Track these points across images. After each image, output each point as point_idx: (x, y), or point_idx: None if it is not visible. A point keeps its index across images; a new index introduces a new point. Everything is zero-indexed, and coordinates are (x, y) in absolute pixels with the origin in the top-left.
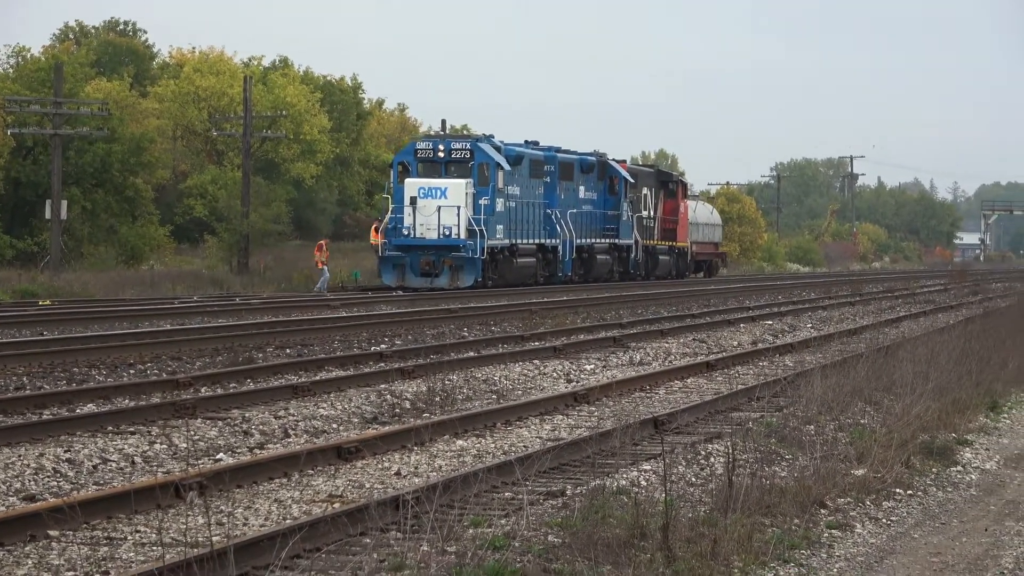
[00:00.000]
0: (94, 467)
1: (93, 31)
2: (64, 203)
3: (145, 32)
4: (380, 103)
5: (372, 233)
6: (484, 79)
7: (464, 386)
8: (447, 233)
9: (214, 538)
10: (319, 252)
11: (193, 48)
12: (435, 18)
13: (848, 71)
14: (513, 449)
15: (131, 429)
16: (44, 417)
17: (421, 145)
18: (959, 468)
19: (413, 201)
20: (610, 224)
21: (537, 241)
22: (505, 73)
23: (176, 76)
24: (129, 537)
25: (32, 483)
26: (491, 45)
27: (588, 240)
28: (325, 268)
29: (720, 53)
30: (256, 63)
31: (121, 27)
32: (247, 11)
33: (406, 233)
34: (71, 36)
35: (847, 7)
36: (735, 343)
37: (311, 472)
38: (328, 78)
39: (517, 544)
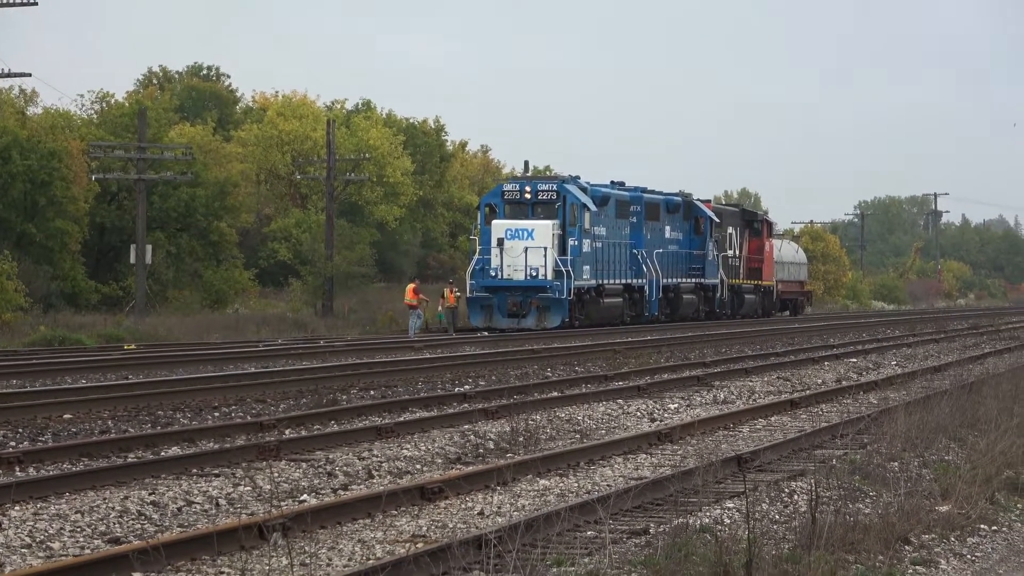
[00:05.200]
0: (179, 509)
1: (176, 76)
2: (149, 248)
3: (228, 77)
4: (463, 145)
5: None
6: (566, 120)
7: (547, 426)
8: (534, 274)
9: None
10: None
11: (276, 92)
12: (516, 60)
13: (931, 109)
14: (596, 488)
15: (215, 471)
16: (129, 460)
17: (508, 187)
18: None
19: (500, 242)
20: (696, 264)
21: (623, 281)
22: (587, 114)
23: (259, 120)
24: None
25: (117, 526)
26: (572, 85)
27: (674, 280)
28: (419, 310)
29: (802, 91)
30: (339, 106)
31: (204, 72)
32: (329, 55)
33: (493, 274)
34: (155, 81)
35: (920, 48)
36: (819, 381)
37: (395, 512)
38: (411, 120)
39: None
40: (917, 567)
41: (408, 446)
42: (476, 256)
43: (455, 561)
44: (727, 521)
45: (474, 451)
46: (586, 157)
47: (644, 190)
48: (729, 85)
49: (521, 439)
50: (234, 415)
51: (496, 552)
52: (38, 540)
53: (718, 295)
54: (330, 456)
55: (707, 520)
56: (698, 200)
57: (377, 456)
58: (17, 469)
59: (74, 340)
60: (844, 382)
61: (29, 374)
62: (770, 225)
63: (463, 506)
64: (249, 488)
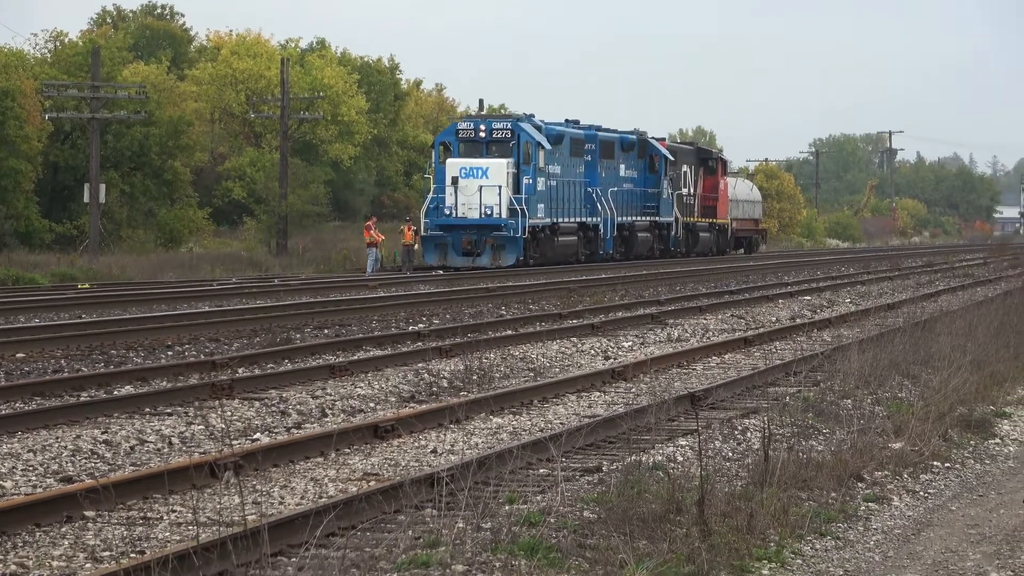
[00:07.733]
0: (131, 448)
1: (130, 15)
2: (102, 187)
3: (182, 15)
4: (417, 83)
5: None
6: (520, 58)
7: (501, 364)
8: (489, 212)
9: (249, 517)
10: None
11: (230, 31)
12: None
13: (885, 45)
14: (549, 426)
15: (168, 410)
16: (82, 399)
17: (462, 125)
18: (997, 440)
19: (455, 181)
20: (650, 202)
21: (578, 220)
22: (541, 52)
23: (213, 59)
24: (165, 517)
25: (69, 465)
26: (526, 24)
27: (629, 218)
28: (376, 248)
29: (756, 28)
30: (293, 45)
31: (158, 11)
32: None
33: (448, 213)
34: (108, 20)
35: None
36: (773, 319)
37: (347, 451)
38: (365, 59)
39: (552, 520)
40: (870, 504)
41: (362, 384)
42: (430, 195)
43: (407, 499)
44: (680, 459)
45: (428, 389)
46: (541, 96)
47: (599, 128)
48: (688, 19)
49: (475, 377)
50: (187, 354)
51: (448, 490)
52: None
53: (673, 233)
54: (283, 395)
55: (660, 458)
56: (653, 138)
57: (331, 394)
58: None
59: (28, 279)
60: (798, 320)
61: None
62: (725, 163)
63: (416, 444)
64: (202, 427)
